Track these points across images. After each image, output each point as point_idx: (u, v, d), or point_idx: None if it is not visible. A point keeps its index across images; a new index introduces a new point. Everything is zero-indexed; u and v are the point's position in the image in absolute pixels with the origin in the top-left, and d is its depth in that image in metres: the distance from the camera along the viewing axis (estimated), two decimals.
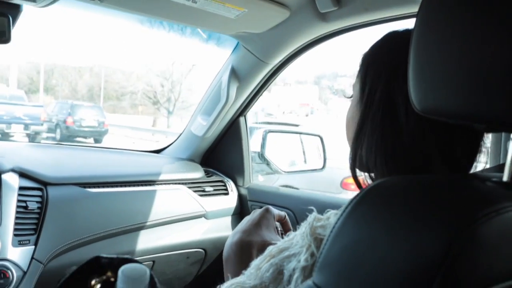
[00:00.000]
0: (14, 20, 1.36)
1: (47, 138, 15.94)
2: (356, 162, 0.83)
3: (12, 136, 14.25)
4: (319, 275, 0.62)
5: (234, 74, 1.93)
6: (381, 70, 0.81)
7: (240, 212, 2.20)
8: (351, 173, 0.84)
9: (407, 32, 0.82)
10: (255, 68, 1.89)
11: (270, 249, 0.83)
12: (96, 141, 17.17)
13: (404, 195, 0.60)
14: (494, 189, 0.61)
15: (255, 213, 1.08)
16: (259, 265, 0.82)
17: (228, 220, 2.16)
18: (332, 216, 0.77)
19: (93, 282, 0.66)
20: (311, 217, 0.80)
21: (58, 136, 16.47)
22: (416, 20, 0.63)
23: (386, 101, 0.78)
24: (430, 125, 0.75)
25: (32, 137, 14.52)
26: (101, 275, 0.67)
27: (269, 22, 1.58)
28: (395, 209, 0.58)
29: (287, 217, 1.12)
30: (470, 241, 0.49)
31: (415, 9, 1.28)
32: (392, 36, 0.86)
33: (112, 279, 0.66)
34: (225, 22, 1.53)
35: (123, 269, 0.57)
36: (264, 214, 1.06)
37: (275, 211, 1.10)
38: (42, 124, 15.15)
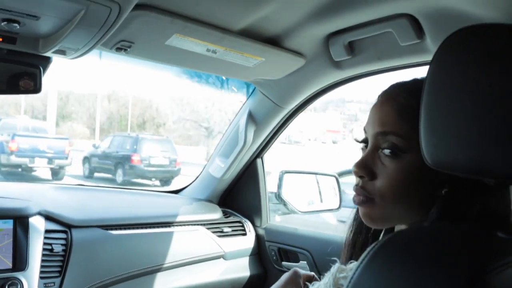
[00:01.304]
0: (44, 70, 1.44)
1: (106, 180, 14.06)
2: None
3: (35, 170, 13.84)
4: None
5: (251, 117, 1.98)
6: None
7: (258, 252, 2.22)
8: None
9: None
10: (272, 112, 1.95)
11: None
12: (165, 183, 14.39)
13: (419, 247, 0.62)
14: (506, 241, 0.64)
15: (284, 276, 1.13)
16: None
17: (246, 260, 2.18)
18: (354, 267, 0.80)
19: None
20: (334, 268, 0.83)
21: (120, 178, 14.09)
22: (427, 76, 0.65)
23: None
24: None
25: (56, 172, 13.86)
26: None
27: (286, 70, 1.64)
28: (410, 260, 0.61)
29: (315, 276, 1.12)
30: None
31: (426, 57, 1.34)
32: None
33: None
34: (243, 70, 1.59)
35: None
36: (291, 277, 1.11)
37: (303, 272, 1.13)
38: (66, 158, 14.26)
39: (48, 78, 1.43)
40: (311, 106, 2.00)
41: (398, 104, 0.84)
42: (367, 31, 1.35)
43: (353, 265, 0.82)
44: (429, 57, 1.29)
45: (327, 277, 0.83)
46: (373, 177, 0.85)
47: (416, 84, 0.86)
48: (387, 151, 0.84)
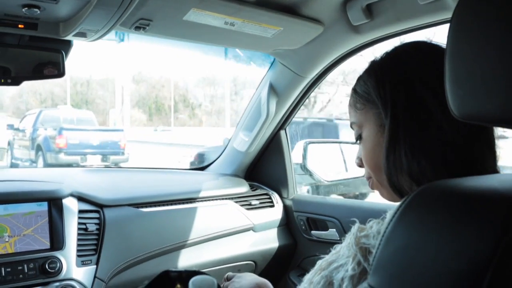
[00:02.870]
0: (67, 54, 1.46)
1: None
2: (394, 180, 0.86)
3: None
4: (373, 277, 0.66)
5: (273, 89, 1.99)
6: (402, 80, 0.85)
7: (286, 223, 2.25)
8: (392, 187, 0.88)
9: (416, 43, 0.90)
10: (293, 82, 1.95)
11: (319, 263, 0.88)
12: None
13: (450, 199, 0.63)
14: None
15: None
16: (311, 279, 0.87)
17: (275, 231, 2.21)
18: (374, 225, 0.81)
19: None
20: (354, 228, 0.84)
21: None
22: (450, 27, 0.64)
23: (418, 108, 0.82)
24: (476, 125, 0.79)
25: None
26: (171, 287, 0.73)
27: (304, 38, 1.63)
28: (442, 212, 0.61)
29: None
30: None
31: (445, 15, 1.32)
32: (403, 48, 0.91)
33: None
34: (262, 41, 1.59)
35: (193, 280, 0.63)
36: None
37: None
38: (123, 153, 12.34)
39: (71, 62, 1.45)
40: None
41: (351, 98, 0.96)
42: None
43: (372, 222, 0.83)
44: (449, 15, 1.27)
45: (348, 237, 0.83)
46: (363, 164, 0.96)
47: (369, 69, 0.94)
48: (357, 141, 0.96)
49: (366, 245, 0.79)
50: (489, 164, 0.83)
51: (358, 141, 0.96)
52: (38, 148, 12.17)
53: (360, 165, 0.98)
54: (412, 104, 0.83)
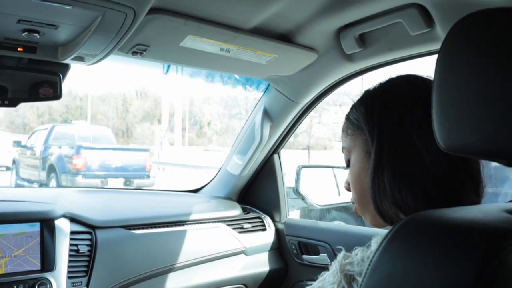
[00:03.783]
0: (64, 77, 1.48)
1: None
2: (379, 205, 0.88)
3: None
4: None
5: (267, 114, 2.01)
6: (390, 110, 0.88)
7: (278, 247, 2.25)
8: (377, 212, 0.90)
9: (409, 76, 0.94)
10: (286, 107, 1.97)
11: None
12: None
13: (434, 231, 0.64)
14: None
15: None
16: None
17: (266, 255, 2.21)
18: (359, 253, 0.84)
19: None
20: (340, 256, 0.87)
21: None
22: (437, 60, 0.66)
23: (402, 137, 0.85)
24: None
25: None
26: None
27: (298, 65, 1.66)
28: (427, 242, 0.63)
29: None
30: (499, 268, 0.54)
31: (436, 46, 1.36)
32: (395, 81, 0.95)
33: None
34: (257, 67, 1.62)
35: None
36: None
37: None
38: (148, 176, 11.04)
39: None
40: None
41: (344, 124, 1.00)
42: (377, 22, 1.37)
43: (357, 250, 0.85)
44: (439, 46, 1.31)
45: (334, 265, 0.86)
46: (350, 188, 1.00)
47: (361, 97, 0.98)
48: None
49: (351, 272, 0.81)
50: (469, 195, 0.85)
51: (347, 166, 0.99)
52: (51, 169, 10.89)
53: (348, 189, 1.01)
54: (396, 133, 0.86)
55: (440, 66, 0.67)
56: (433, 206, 0.80)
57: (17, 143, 12.97)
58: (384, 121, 0.88)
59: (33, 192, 1.80)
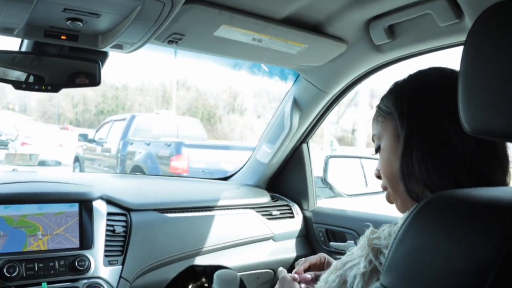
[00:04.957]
0: (103, 64, 1.55)
1: None
2: (408, 186, 0.92)
3: None
4: (385, 277, 0.71)
5: (296, 104, 2.06)
6: (420, 96, 0.93)
7: (305, 234, 2.30)
8: (408, 193, 0.94)
9: (440, 68, 0.98)
10: (316, 97, 2.01)
11: (335, 264, 0.95)
12: None
13: (459, 206, 0.68)
14: None
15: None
16: (327, 278, 0.94)
17: (294, 242, 2.26)
18: (386, 228, 0.88)
19: (190, 287, 0.79)
20: (367, 231, 0.91)
21: None
22: (464, 48, 0.69)
23: (431, 121, 0.89)
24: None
25: None
26: (196, 281, 0.79)
27: (328, 55, 1.70)
28: (451, 217, 0.67)
29: (325, 258, 1.33)
30: None
31: (464, 37, 1.37)
32: (426, 71, 0.99)
33: (206, 285, 0.78)
34: (287, 57, 1.66)
35: (218, 273, 0.70)
36: (280, 279, 1.23)
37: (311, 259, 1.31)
38: None
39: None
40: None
41: (374, 113, 1.04)
42: (406, 14, 1.39)
43: (385, 226, 0.89)
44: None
45: (362, 239, 0.90)
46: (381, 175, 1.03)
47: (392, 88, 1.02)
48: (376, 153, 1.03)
49: (378, 246, 0.85)
50: (497, 177, 0.88)
51: (377, 152, 1.03)
52: (136, 171, 8.47)
53: (378, 176, 1.05)
54: (425, 116, 0.90)
55: (467, 52, 0.69)
56: (460, 186, 0.83)
57: (83, 137, 10.75)
58: (412, 105, 0.92)
59: (72, 175, 1.89)
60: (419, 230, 0.69)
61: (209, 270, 0.76)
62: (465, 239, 0.62)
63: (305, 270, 1.30)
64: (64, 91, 1.53)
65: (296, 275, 1.26)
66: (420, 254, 0.67)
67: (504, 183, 0.89)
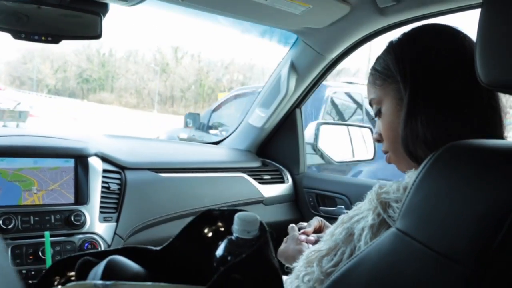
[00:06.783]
0: (104, 17, 1.52)
1: None
2: (411, 148, 0.93)
3: None
4: (402, 221, 0.73)
5: (293, 67, 2.05)
6: (421, 55, 0.93)
7: (295, 199, 2.32)
8: (409, 155, 0.95)
9: (432, 23, 1.00)
10: (314, 61, 2.01)
11: (341, 218, 0.96)
12: None
13: (476, 153, 0.70)
14: None
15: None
16: (333, 232, 0.95)
17: (284, 206, 2.28)
18: (394, 184, 0.89)
19: (206, 230, 0.79)
20: (375, 187, 0.92)
21: None
22: (483, 6, 0.70)
23: (435, 81, 0.90)
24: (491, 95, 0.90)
25: None
26: (213, 225, 0.80)
27: (331, 17, 1.68)
28: (469, 164, 0.68)
29: (322, 222, 1.41)
30: None
31: (471, 1, 1.38)
32: (420, 28, 0.99)
33: (222, 229, 0.79)
34: (290, 18, 1.65)
35: (239, 214, 0.70)
36: (290, 234, 1.34)
37: (306, 226, 1.39)
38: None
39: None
40: None
41: (370, 76, 1.04)
42: None
43: (392, 182, 0.90)
44: (472, 1, 1.34)
45: (370, 194, 0.91)
46: (381, 139, 1.04)
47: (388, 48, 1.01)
48: (376, 117, 1.04)
49: (386, 200, 0.87)
50: (497, 131, 0.91)
51: (377, 117, 1.03)
52: None
53: (379, 139, 1.05)
54: (429, 77, 0.91)
55: (485, 12, 0.70)
56: None
57: (192, 118, 6.35)
58: (415, 67, 0.92)
59: (66, 131, 1.86)
60: (437, 177, 0.71)
61: (226, 214, 0.76)
62: (483, 184, 0.64)
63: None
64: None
65: (303, 236, 1.29)
66: (439, 198, 0.69)
67: (502, 137, 0.92)
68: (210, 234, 0.79)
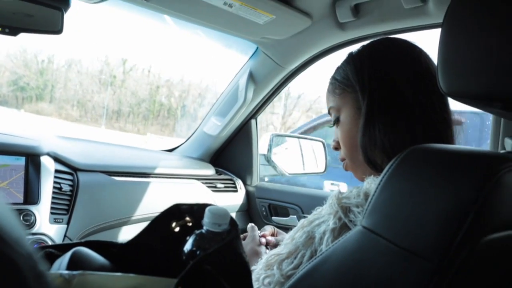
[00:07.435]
0: (65, 12, 1.49)
1: None
2: (370, 155, 0.97)
3: None
4: (367, 219, 0.76)
5: (252, 77, 2.07)
6: (379, 67, 0.98)
7: (247, 209, 2.33)
8: (367, 162, 0.98)
9: (390, 37, 1.06)
10: (272, 72, 2.04)
11: (301, 222, 0.98)
12: None
13: (439, 155, 0.74)
14: (508, 153, 0.77)
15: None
16: (293, 236, 0.97)
17: (236, 215, 2.29)
18: (354, 190, 0.93)
19: (173, 224, 0.79)
20: (335, 192, 0.95)
21: None
22: (444, 20, 0.74)
23: (392, 90, 0.95)
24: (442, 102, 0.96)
25: None
26: (180, 220, 0.79)
27: (292, 29, 1.72)
28: (433, 164, 0.72)
29: (275, 230, 1.39)
30: (496, 186, 0.64)
31: (427, 21, 1.45)
32: (379, 41, 1.04)
33: (190, 224, 0.79)
34: (253, 27, 1.67)
35: (210, 208, 0.70)
36: (250, 233, 1.32)
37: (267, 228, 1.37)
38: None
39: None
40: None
41: (329, 85, 1.08)
42: None
43: (352, 188, 0.94)
44: (431, 21, 1.41)
45: (330, 199, 0.94)
46: (339, 146, 1.07)
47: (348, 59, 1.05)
48: (334, 125, 1.07)
49: (347, 204, 0.90)
50: (449, 140, 0.97)
51: (335, 125, 1.07)
52: None
53: (337, 147, 1.09)
54: (387, 88, 0.95)
55: (446, 26, 0.75)
56: None
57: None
58: (373, 77, 0.97)
59: (17, 129, 1.79)
60: (401, 177, 0.75)
61: (195, 209, 0.76)
62: (447, 182, 0.68)
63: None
64: None
65: (263, 239, 1.30)
66: (404, 197, 0.72)
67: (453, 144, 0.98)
68: (177, 229, 0.79)
